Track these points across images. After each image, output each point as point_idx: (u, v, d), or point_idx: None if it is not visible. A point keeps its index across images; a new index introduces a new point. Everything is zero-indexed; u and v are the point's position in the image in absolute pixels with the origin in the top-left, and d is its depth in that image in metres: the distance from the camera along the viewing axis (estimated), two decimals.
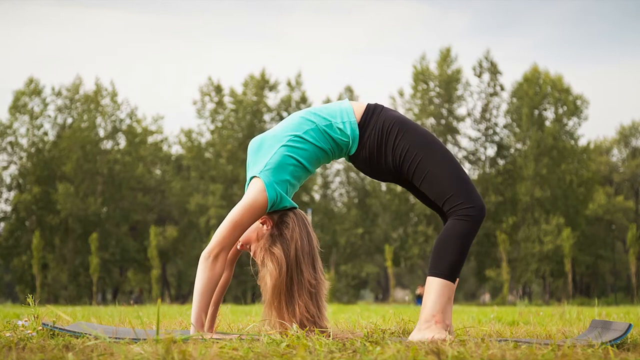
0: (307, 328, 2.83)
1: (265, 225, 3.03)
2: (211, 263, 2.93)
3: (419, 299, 30.63)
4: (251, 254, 3.08)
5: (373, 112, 3.10)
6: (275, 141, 3.04)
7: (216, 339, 2.66)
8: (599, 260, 45.64)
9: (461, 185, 2.99)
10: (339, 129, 3.06)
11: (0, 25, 70.12)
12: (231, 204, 42.56)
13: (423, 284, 41.43)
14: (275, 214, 3.04)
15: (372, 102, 3.18)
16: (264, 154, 3.04)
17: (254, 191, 2.97)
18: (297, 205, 3.09)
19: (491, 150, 44.45)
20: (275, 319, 2.94)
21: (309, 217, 3.23)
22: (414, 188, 3.18)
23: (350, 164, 40.26)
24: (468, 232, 2.95)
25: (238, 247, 3.13)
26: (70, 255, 41.08)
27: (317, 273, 3.00)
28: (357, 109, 3.11)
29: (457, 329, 3.30)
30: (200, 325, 2.94)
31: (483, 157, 44.28)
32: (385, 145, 3.04)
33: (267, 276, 2.95)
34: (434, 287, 2.94)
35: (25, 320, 3.19)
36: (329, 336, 2.70)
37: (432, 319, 2.90)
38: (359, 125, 3.07)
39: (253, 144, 3.11)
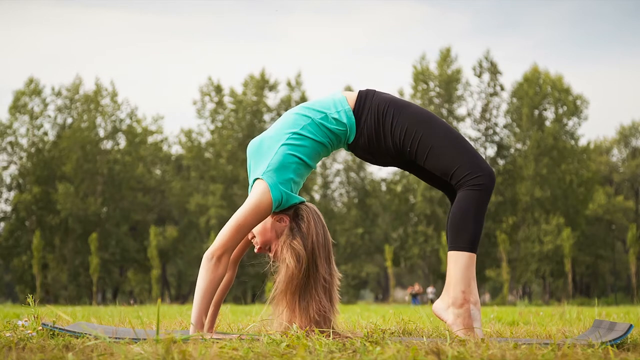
0: (307, 328, 2.82)
1: (282, 222, 3.02)
2: (214, 265, 2.92)
3: (414, 298, 30.65)
4: (271, 254, 3.05)
5: (366, 98, 3.08)
6: (274, 141, 3.03)
7: (216, 339, 2.66)
8: (599, 260, 45.64)
9: (465, 155, 2.96)
10: (335, 119, 3.04)
11: (0, 25, 70.12)
12: (231, 204, 42.53)
13: (420, 283, 41.41)
14: (290, 210, 3.02)
15: (364, 88, 3.17)
16: (264, 155, 3.02)
17: (258, 193, 2.94)
18: (305, 200, 3.07)
19: (491, 150, 44.47)
20: (286, 314, 2.91)
21: None
22: (417, 169, 3.15)
23: (349, 164, 39.95)
24: (480, 201, 2.93)
25: (256, 250, 3.11)
26: (70, 255, 41.08)
27: (330, 267, 2.98)
28: (350, 97, 3.10)
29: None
30: (200, 325, 2.93)
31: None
32: (383, 128, 3.02)
33: (285, 270, 2.92)
34: (458, 261, 2.91)
35: (25, 320, 3.19)
36: (329, 336, 2.70)
37: (462, 295, 2.90)
38: (353, 112, 3.05)
39: (252, 146, 3.09)
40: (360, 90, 3.13)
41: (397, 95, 3.20)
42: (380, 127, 3.02)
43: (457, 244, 2.93)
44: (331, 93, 3.16)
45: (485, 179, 2.94)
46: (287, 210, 3.02)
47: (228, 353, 2.21)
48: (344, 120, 3.04)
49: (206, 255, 2.94)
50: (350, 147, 3.14)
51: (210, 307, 3.18)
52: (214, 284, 2.93)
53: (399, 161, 3.12)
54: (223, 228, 2.96)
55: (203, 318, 2.94)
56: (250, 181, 3.05)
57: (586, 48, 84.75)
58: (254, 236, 3.07)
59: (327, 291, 2.93)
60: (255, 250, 3.11)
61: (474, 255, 2.93)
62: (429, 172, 3.12)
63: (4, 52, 70.73)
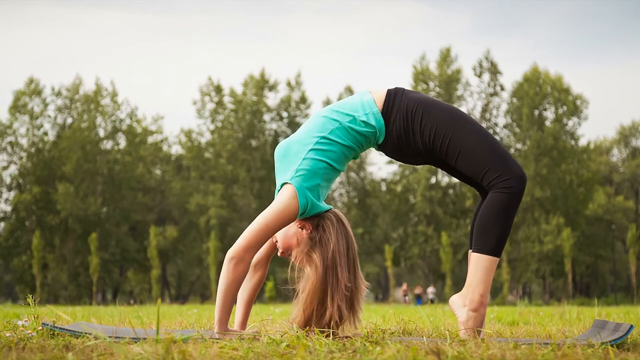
0: (307, 328, 2.83)
1: (304, 230, 3.01)
2: (235, 265, 2.91)
3: (419, 299, 30.84)
4: (292, 259, 3.05)
5: (394, 98, 3.03)
6: (302, 145, 3.00)
7: (216, 338, 2.66)
8: (599, 260, 45.63)
9: (496, 157, 2.93)
10: (363, 121, 3.01)
11: (0, 25, 70.15)
12: (231, 204, 42.53)
13: (422, 284, 41.40)
14: (314, 217, 3.00)
15: (392, 87, 3.13)
16: (292, 159, 3.00)
17: (285, 197, 2.93)
18: (331, 207, 3.05)
19: None
20: (301, 319, 2.91)
21: None
22: (449, 168, 3.12)
23: (349, 164, 39.90)
24: (509, 204, 2.90)
25: (279, 254, 3.11)
26: (70, 255, 41.08)
27: (353, 276, 2.95)
28: (378, 97, 3.05)
29: (455, 329, 3.30)
30: (223, 325, 2.94)
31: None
32: (412, 129, 2.98)
33: (305, 279, 2.93)
34: (481, 264, 2.91)
35: (25, 320, 3.19)
36: (329, 336, 2.70)
37: (479, 299, 2.90)
38: (382, 113, 3.01)
39: (279, 149, 3.07)
40: (388, 90, 3.08)
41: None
42: (409, 127, 2.99)
43: (481, 246, 2.92)
44: (359, 93, 3.12)
45: (515, 182, 2.90)
46: (311, 218, 3.00)
47: (228, 353, 2.21)
48: (373, 122, 3.01)
49: (228, 256, 2.94)
50: (380, 147, 3.11)
51: (242, 306, 3.21)
52: (235, 284, 2.93)
53: (430, 160, 3.09)
54: (247, 229, 2.95)
55: (225, 318, 2.94)
56: (278, 185, 3.04)
57: (586, 48, 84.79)
58: (277, 240, 3.07)
59: (348, 300, 2.91)
60: (279, 254, 3.11)
61: (496, 260, 2.92)
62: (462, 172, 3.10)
63: (4, 52, 70.78)
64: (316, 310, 2.89)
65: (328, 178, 3.03)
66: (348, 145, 3.02)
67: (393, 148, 3.06)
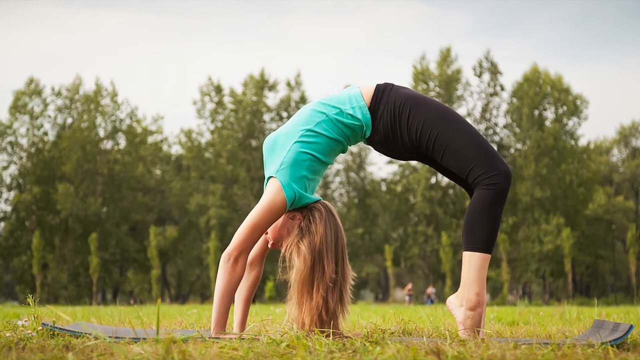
0: (307, 328, 2.83)
1: (294, 220, 3.02)
2: (231, 266, 2.93)
3: (428, 299, 30.98)
4: (282, 250, 3.05)
5: (383, 93, 3.04)
6: (288, 138, 3.01)
7: (216, 338, 2.66)
8: (599, 260, 45.62)
9: (481, 154, 2.93)
10: (350, 114, 3.01)
11: (0, 25, 70.13)
12: (231, 204, 42.52)
13: (421, 284, 41.27)
14: (304, 207, 3.01)
15: (382, 82, 3.13)
16: (278, 153, 3.01)
17: (271, 192, 2.95)
18: (320, 198, 3.05)
19: None
20: (294, 311, 2.93)
21: None
22: (436, 164, 3.12)
23: (349, 164, 39.85)
24: (496, 200, 2.89)
25: (269, 245, 3.12)
26: (70, 255, 41.07)
27: (340, 267, 2.95)
28: (366, 92, 3.06)
29: (455, 329, 3.30)
30: (220, 326, 2.94)
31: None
32: (399, 125, 2.98)
33: (295, 270, 2.94)
34: (474, 262, 2.90)
35: (25, 320, 3.19)
36: (329, 336, 2.71)
37: (475, 298, 2.89)
38: (369, 108, 3.02)
39: (267, 143, 3.08)
40: (377, 84, 3.09)
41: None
42: (396, 123, 2.99)
43: (472, 244, 2.91)
44: (348, 87, 3.14)
45: (500, 178, 2.90)
46: (300, 209, 3.01)
47: (228, 353, 2.21)
48: (359, 116, 3.02)
49: (223, 257, 2.95)
50: (368, 142, 3.12)
51: (240, 306, 3.21)
52: (231, 285, 2.94)
53: (416, 156, 3.09)
54: (239, 229, 2.97)
55: (222, 319, 2.94)
56: (265, 179, 3.05)
57: (586, 48, 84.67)
58: (267, 232, 3.08)
59: (335, 291, 2.92)
60: (269, 246, 3.12)
61: (488, 256, 2.92)
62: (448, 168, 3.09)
63: (4, 52, 70.73)
64: (306, 301, 2.90)
65: (314, 170, 3.03)
66: (334, 138, 3.03)
67: (380, 142, 3.07)
